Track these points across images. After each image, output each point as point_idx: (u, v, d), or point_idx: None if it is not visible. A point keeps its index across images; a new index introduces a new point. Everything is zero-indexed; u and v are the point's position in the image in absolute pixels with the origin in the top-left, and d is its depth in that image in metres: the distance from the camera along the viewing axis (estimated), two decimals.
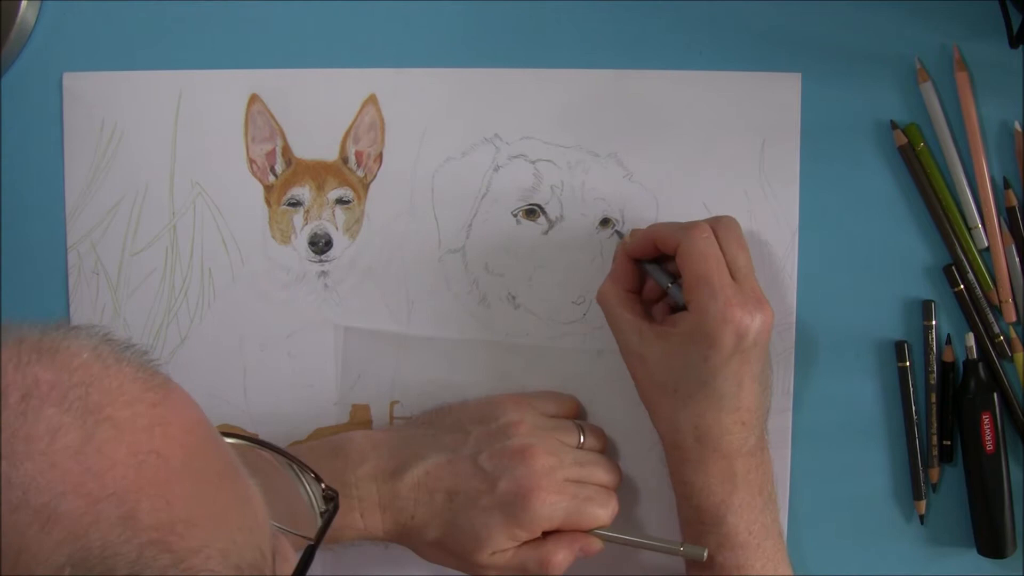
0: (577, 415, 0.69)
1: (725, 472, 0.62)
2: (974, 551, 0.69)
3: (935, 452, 0.69)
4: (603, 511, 0.64)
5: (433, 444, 0.65)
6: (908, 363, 0.68)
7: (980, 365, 0.68)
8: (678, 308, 0.64)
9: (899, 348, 0.68)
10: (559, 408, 0.68)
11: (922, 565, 0.70)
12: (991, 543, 0.68)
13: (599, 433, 0.69)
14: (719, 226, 0.64)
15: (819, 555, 0.70)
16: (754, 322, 0.60)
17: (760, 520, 0.63)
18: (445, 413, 0.68)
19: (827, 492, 0.70)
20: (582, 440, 0.66)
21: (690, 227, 0.63)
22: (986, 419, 0.67)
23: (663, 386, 0.62)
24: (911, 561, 0.70)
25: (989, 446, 0.67)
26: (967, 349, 0.68)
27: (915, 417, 0.69)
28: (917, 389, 0.69)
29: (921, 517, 0.69)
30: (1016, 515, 0.68)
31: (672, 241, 0.63)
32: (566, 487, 0.63)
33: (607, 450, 0.69)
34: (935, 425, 0.68)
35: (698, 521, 0.63)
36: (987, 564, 0.69)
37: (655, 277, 0.65)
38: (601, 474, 0.65)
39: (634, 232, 0.67)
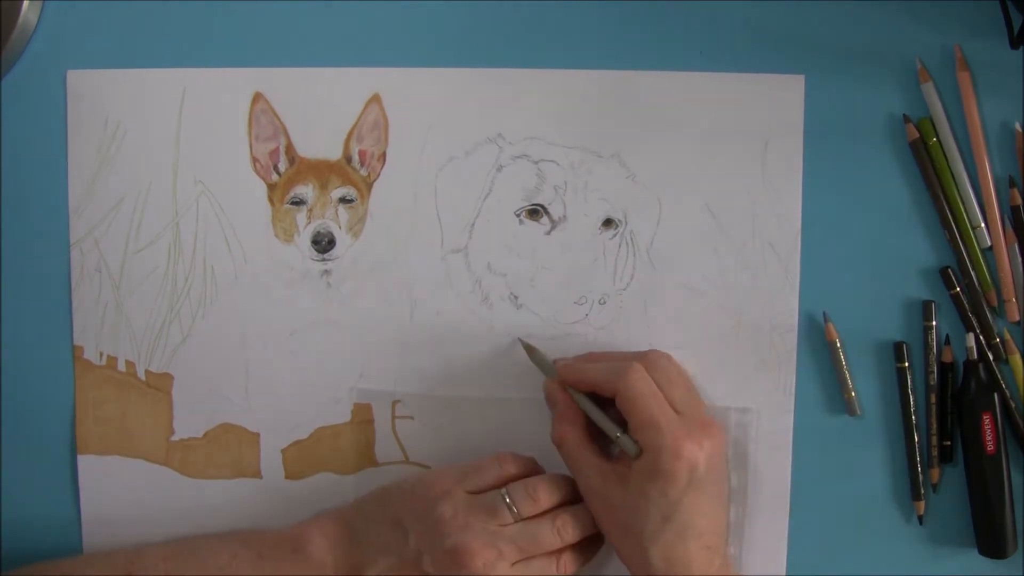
0: (511, 474, 0.66)
1: None
2: (974, 551, 0.69)
3: (935, 452, 0.69)
4: (551, 570, 0.64)
5: (380, 545, 0.65)
6: (907, 363, 0.69)
7: (980, 366, 0.68)
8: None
9: (898, 349, 0.69)
10: (490, 479, 0.66)
11: (922, 565, 0.70)
12: (992, 543, 0.68)
13: (533, 490, 0.65)
14: (649, 364, 0.65)
15: (819, 555, 0.70)
16: (703, 450, 0.61)
17: None
18: (382, 503, 0.67)
19: (827, 492, 0.70)
20: (515, 512, 0.64)
21: (623, 372, 0.63)
22: (987, 419, 0.67)
23: (629, 527, 0.62)
24: (911, 561, 0.70)
25: (990, 446, 0.67)
26: (967, 350, 0.68)
27: (914, 419, 0.69)
28: (917, 390, 0.69)
29: (920, 518, 0.69)
30: (1016, 515, 0.68)
31: (609, 387, 0.64)
32: (514, 571, 0.63)
33: (560, 491, 0.66)
34: (935, 425, 0.69)
35: None
36: (987, 564, 0.69)
37: (603, 427, 0.65)
38: (547, 539, 0.64)
39: (565, 366, 0.67)
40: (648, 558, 0.62)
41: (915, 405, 0.69)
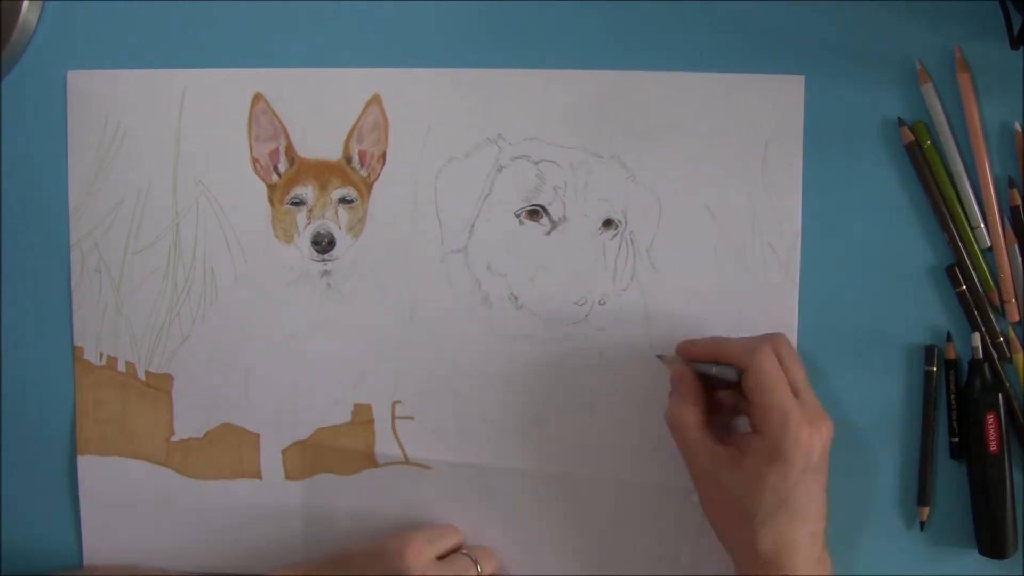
0: (463, 542, 0.71)
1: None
2: (975, 551, 0.69)
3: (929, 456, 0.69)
4: None
5: None
6: (934, 368, 0.69)
7: (985, 365, 0.68)
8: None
9: (928, 352, 0.69)
10: (451, 543, 0.70)
11: (922, 565, 0.70)
12: (992, 543, 0.68)
13: (490, 554, 0.70)
14: (777, 346, 0.64)
15: None
16: (821, 438, 0.62)
17: None
18: (347, 564, 0.68)
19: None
20: (479, 570, 0.68)
21: (756, 351, 0.63)
22: (990, 419, 0.67)
23: (740, 510, 0.63)
24: (911, 562, 0.70)
25: (993, 446, 0.67)
26: (972, 349, 0.68)
27: (920, 422, 0.69)
28: (915, 393, 0.69)
29: (922, 524, 0.69)
30: (1018, 515, 0.68)
31: (740, 362, 0.64)
32: None
33: (500, 565, 0.71)
34: (940, 424, 0.69)
35: None
36: (988, 564, 0.69)
37: (722, 374, 0.65)
38: None
39: (689, 343, 0.68)
40: (757, 541, 0.62)
41: (922, 407, 0.69)
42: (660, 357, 0.69)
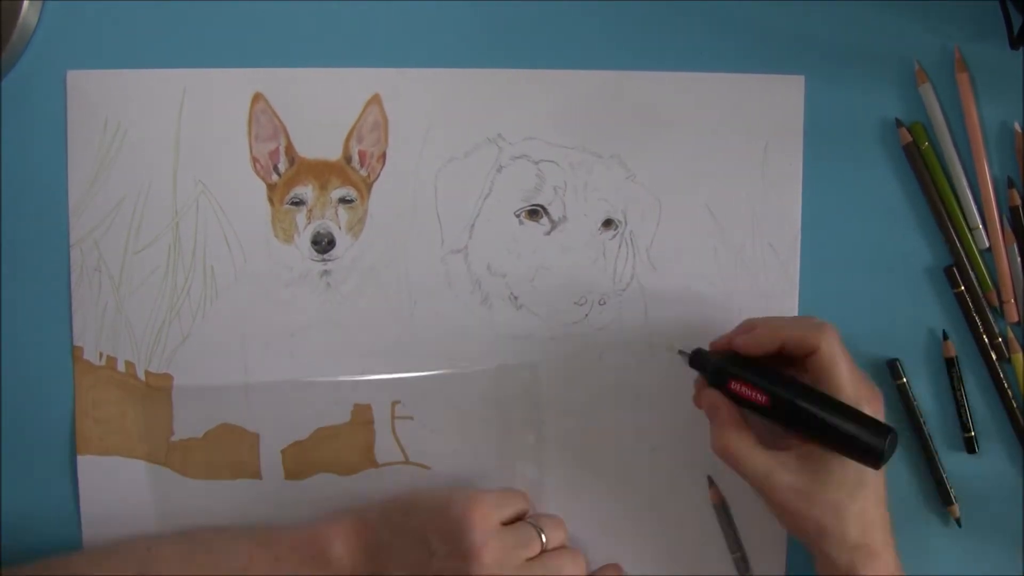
0: (530, 506, 0.69)
1: (887, 558, 0.63)
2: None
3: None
4: None
5: (401, 560, 0.64)
6: (904, 379, 0.69)
7: (699, 354, 0.66)
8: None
9: (892, 367, 0.69)
10: (517, 510, 0.67)
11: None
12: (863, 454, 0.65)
13: (558, 523, 0.68)
14: (834, 330, 0.63)
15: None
16: (881, 409, 0.62)
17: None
18: (409, 513, 0.66)
19: None
20: (544, 541, 0.65)
21: (823, 327, 0.62)
22: (736, 385, 0.63)
23: (825, 503, 0.62)
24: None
25: (760, 399, 0.63)
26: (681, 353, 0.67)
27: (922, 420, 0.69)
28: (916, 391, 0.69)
29: (958, 521, 0.70)
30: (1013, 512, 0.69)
31: (808, 343, 0.61)
32: None
33: (567, 537, 0.69)
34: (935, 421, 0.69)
35: None
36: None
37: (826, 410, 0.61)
38: (569, 569, 0.65)
39: (745, 335, 0.64)
40: (845, 527, 0.61)
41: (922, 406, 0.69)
42: (682, 353, 0.67)
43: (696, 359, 0.65)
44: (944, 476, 0.69)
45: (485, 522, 0.63)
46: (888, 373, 0.69)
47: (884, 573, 0.62)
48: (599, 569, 0.70)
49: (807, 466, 0.62)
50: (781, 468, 0.62)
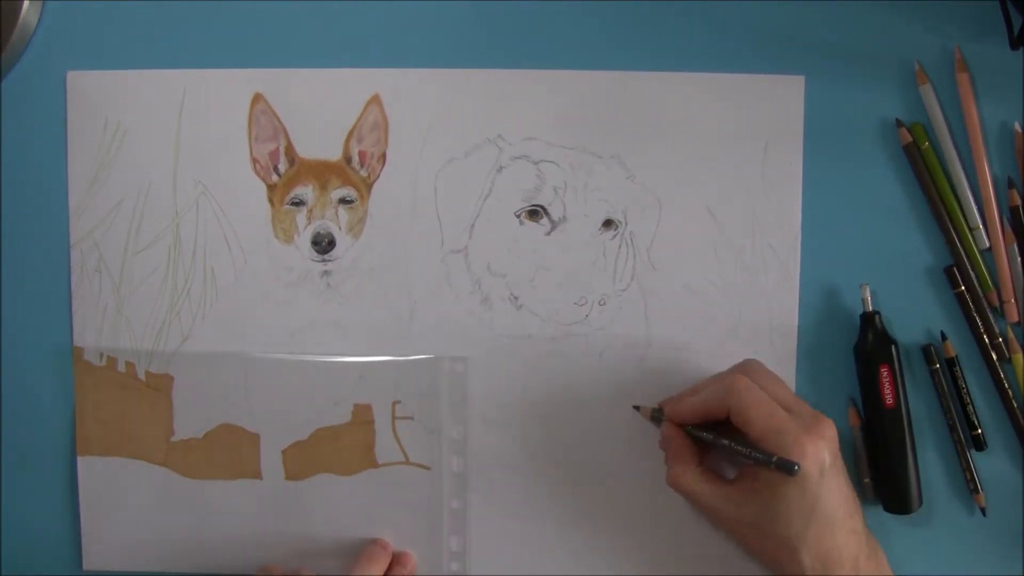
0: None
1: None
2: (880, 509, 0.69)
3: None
4: None
5: None
6: (937, 365, 0.69)
7: (877, 317, 0.68)
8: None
9: (926, 352, 0.69)
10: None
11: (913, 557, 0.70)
12: (896, 499, 0.68)
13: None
14: (749, 371, 0.65)
15: None
16: (825, 440, 0.62)
17: None
18: None
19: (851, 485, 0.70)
20: None
21: (730, 387, 0.64)
22: (884, 372, 0.67)
23: (775, 536, 0.63)
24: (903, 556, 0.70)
25: (888, 399, 0.67)
26: (863, 301, 0.68)
27: (955, 417, 0.69)
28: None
29: (983, 510, 0.69)
30: (920, 472, 0.68)
31: (721, 407, 0.64)
32: None
33: None
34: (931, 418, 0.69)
35: None
36: (891, 520, 0.69)
37: (750, 458, 0.63)
38: None
39: (673, 407, 0.67)
40: (800, 560, 0.62)
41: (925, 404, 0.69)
42: (636, 408, 0.69)
43: (655, 416, 0.69)
44: (972, 463, 0.69)
45: None
46: (923, 358, 0.69)
47: None
48: None
49: (755, 499, 0.63)
50: (727, 501, 0.64)
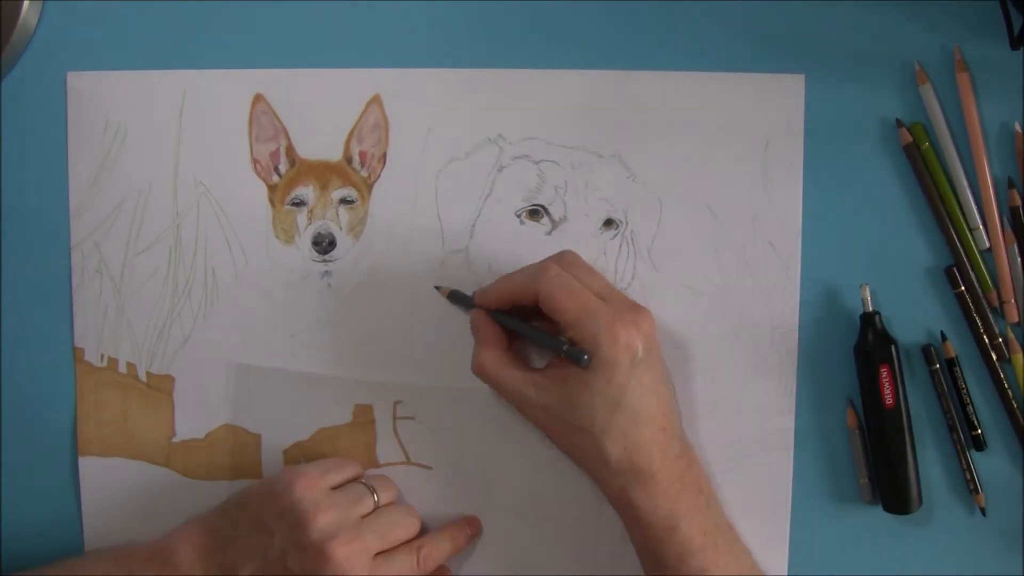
0: (362, 473, 0.70)
1: (662, 482, 0.63)
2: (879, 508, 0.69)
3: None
4: (410, 567, 0.66)
5: (246, 549, 0.64)
6: (937, 366, 0.69)
7: (877, 317, 0.68)
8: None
9: (926, 353, 0.69)
10: (346, 475, 0.68)
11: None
12: (896, 499, 0.68)
13: (387, 483, 0.69)
14: (562, 262, 0.64)
15: (819, 555, 0.70)
16: (640, 331, 0.61)
17: (710, 519, 0.64)
18: (244, 505, 0.66)
19: (825, 493, 0.70)
20: (376, 499, 0.67)
21: (539, 272, 0.63)
22: (884, 372, 0.67)
23: (579, 425, 0.62)
24: (904, 555, 0.70)
25: (888, 399, 0.67)
26: (863, 301, 0.68)
27: (954, 415, 0.69)
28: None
29: (983, 510, 0.70)
30: (920, 471, 0.68)
31: (530, 291, 0.63)
32: (376, 566, 0.64)
33: (398, 494, 0.70)
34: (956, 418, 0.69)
35: (652, 539, 0.63)
36: (891, 520, 0.69)
37: (546, 343, 0.64)
38: (402, 532, 0.66)
39: (482, 292, 0.67)
40: (604, 451, 0.62)
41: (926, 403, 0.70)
42: (437, 288, 0.69)
43: (455, 297, 0.69)
44: (972, 464, 0.69)
45: (311, 490, 0.64)
46: (923, 359, 0.69)
47: (660, 497, 0.62)
48: (452, 522, 0.70)
49: (559, 387, 0.62)
50: (532, 386, 0.64)
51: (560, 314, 0.62)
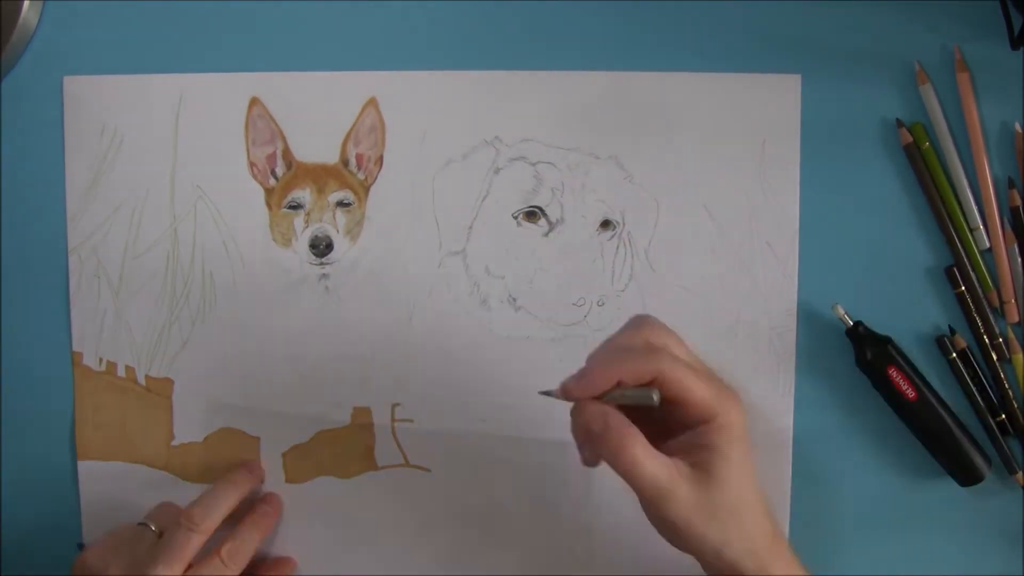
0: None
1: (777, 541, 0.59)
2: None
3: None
4: (219, 570, 0.65)
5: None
6: (954, 355, 0.69)
7: (860, 327, 0.68)
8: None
9: (940, 343, 0.69)
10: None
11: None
12: (967, 473, 0.68)
13: (166, 504, 0.68)
14: (654, 334, 0.58)
15: (820, 554, 0.70)
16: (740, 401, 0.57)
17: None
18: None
19: (825, 493, 0.70)
20: (154, 529, 0.65)
21: (654, 354, 0.56)
22: (893, 372, 0.67)
23: (724, 509, 0.56)
24: (908, 555, 0.70)
25: (909, 394, 0.67)
26: (840, 320, 0.68)
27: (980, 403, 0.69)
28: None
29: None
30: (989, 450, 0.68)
31: (647, 374, 0.55)
32: None
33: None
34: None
35: None
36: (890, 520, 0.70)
37: (639, 399, 0.56)
38: (183, 536, 0.64)
39: (583, 380, 0.56)
40: (744, 532, 0.56)
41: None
42: (547, 393, 0.59)
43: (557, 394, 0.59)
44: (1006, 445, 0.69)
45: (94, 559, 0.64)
46: (938, 349, 0.69)
47: (790, 567, 0.58)
48: (250, 510, 0.69)
49: (701, 472, 0.56)
50: (680, 477, 0.55)
51: (690, 394, 0.55)
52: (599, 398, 0.56)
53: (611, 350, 0.58)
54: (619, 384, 0.56)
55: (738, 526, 0.56)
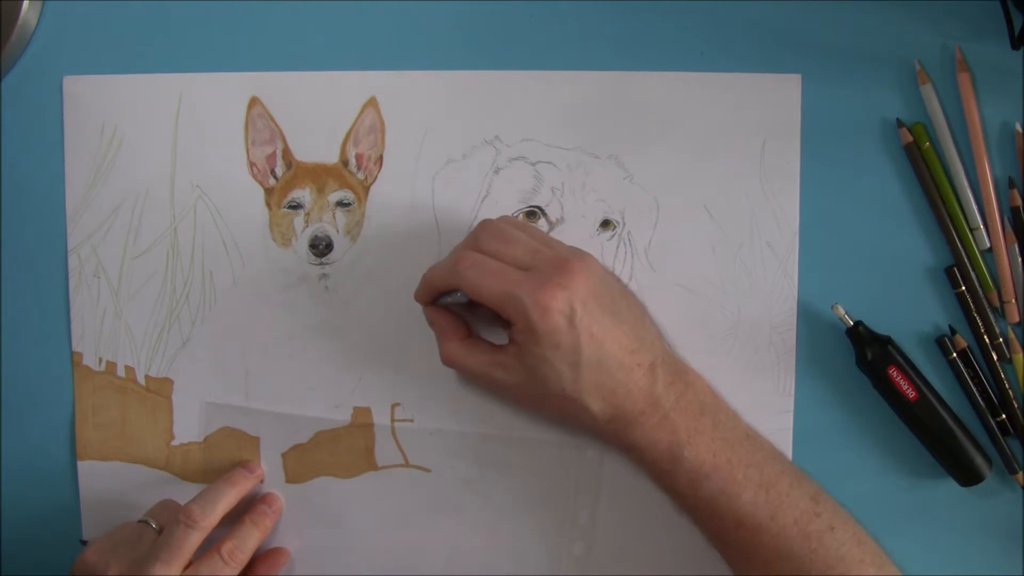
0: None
1: (653, 417, 0.63)
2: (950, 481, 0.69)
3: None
4: (218, 569, 0.65)
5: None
6: (954, 355, 0.69)
7: (860, 327, 0.68)
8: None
9: (941, 344, 0.69)
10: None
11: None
12: (967, 473, 0.68)
13: (168, 502, 0.69)
14: (480, 240, 0.63)
15: None
16: (568, 290, 0.60)
17: (718, 437, 0.64)
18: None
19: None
20: (155, 526, 0.66)
21: (455, 265, 0.62)
22: (893, 372, 0.67)
23: (551, 393, 0.62)
24: (911, 554, 0.70)
25: (910, 394, 0.67)
26: (840, 319, 0.68)
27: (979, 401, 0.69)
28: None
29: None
30: (987, 447, 0.68)
31: (452, 286, 0.63)
32: None
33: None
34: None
35: (661, 472, 0.64)
36: (889, 520, 0.69)
37: (455, 301, 0.64)
38: (180, 532, 0.64)
39: (417, 291, 0.66)
40: (586, 407, 0.62)
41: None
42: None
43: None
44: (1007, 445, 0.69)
45: (94, 556, 0.65)
46: (938, 349, 0.69)
47: (655, 431, 0.62)
48: (250, 509, 0.70)
49: (522, 363, 0.62)
50: (499, 368, 0.64)
51: (485, 301, 0.62)
52: (435, 302, 0.66)
53: (439, 262, 0.65)
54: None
55: (575, 407, 0.62)
